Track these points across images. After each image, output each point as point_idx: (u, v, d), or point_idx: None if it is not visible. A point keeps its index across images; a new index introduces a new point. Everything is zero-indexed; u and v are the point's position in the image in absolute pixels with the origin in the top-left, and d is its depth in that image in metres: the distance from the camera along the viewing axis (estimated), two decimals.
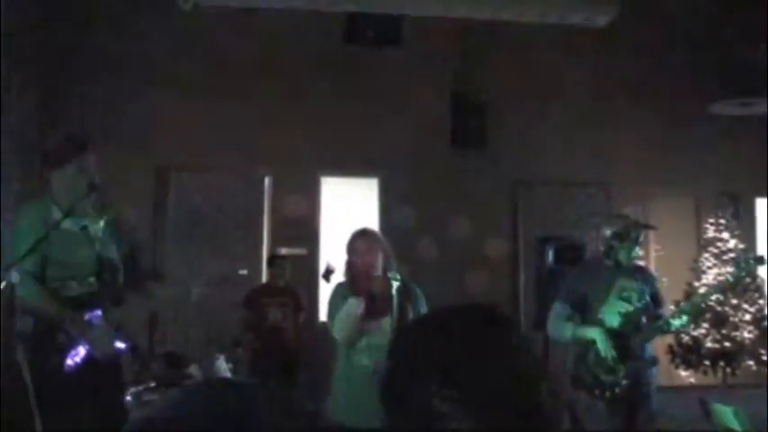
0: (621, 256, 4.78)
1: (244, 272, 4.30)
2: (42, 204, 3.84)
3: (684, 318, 4.71)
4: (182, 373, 6.85)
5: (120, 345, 3.80)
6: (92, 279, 3.79)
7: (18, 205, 4.09)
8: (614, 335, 4.64)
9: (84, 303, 3.75)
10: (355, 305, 4.12)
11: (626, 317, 4.70)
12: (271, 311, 7.86)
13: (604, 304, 4.73)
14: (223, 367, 7.24)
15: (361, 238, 4.29)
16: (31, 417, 3.41)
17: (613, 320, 4.71)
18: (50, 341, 3.60)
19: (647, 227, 5.54)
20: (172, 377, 6.66)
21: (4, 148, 7.11)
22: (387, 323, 4.12)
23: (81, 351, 3.63)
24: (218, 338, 8.81)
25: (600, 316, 4.73)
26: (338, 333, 4.18)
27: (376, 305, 4.15)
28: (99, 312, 3.75)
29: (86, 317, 3.71)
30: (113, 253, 3.94)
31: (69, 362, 3.60)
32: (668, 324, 4.69)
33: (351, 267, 4.25)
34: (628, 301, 4.73)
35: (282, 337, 7.82)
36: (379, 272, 4.20)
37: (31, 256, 3.53)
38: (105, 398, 3.73)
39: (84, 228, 3.83)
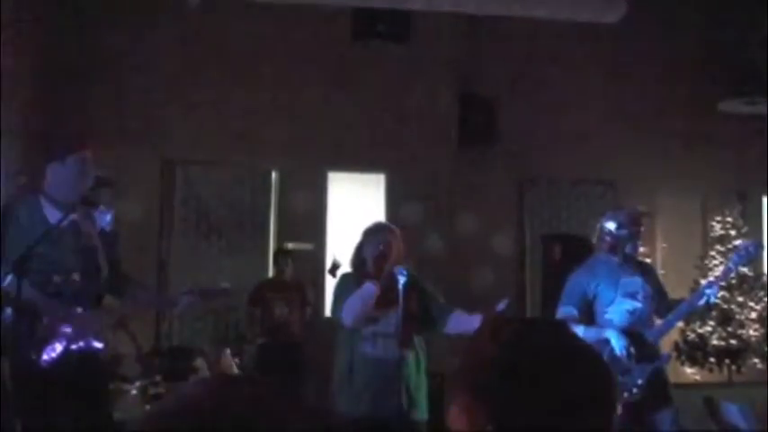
0: (629, 249, 4.72)
1: (226, 285, 4.27)
2: (34, 201, 3.76)
3: (715, 287, 4.67)
4: (188, 366, 6.88)
5: (97, 344, 3.72)
6: (75, 275, 3.70)
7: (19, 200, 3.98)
8: (626, 334, 4.56)
9: (65, 299, 3.66)
10: (370, 289, 4.26)
11: (634, 314, 4.64)
12: (277, 306, 7.87)
13: (611, 304, 4.64)
14: (229, 361, 7.27)
15: (381, 231, 4.51)
16: (9, 412, 3.39)
17: (622, 319, 4.62)
18: (28, 335, 3.51)
19: (646, 214, 5.47)
20: (178, 371, 6.69)
21: (7, 144, 7.11)
22: (393, 314, 4.21)
23: (57, 347, 3.55)
24: (224, 332, 8.85)
25: (608, 316, 4.64)
26: (347, 315, 4.27)
27: (386, 295, 4.24)
28: (80, 310, 3.67)
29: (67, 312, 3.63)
30: (101, 250, 3.84)
31: (45, 356, 3.52)
32: (704, 295, 4.60)
33: (367, 255, 4.40)
34: (634, 298, 4.67)
35: (288, 331, 7.84)
36: (391, 264, 4.34)
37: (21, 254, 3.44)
38: (83, 394, 3.64)
39: (74, 223, 3.74)
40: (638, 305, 4.64)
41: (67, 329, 3.59)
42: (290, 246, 8.63)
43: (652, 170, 9.87)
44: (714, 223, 10.04)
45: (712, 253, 9.87)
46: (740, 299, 9.54)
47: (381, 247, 4.36)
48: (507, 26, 9.04)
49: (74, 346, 3.60)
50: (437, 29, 9.14)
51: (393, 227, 4.67)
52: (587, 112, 9.86)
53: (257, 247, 9.16)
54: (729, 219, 9.98)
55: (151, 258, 8.58)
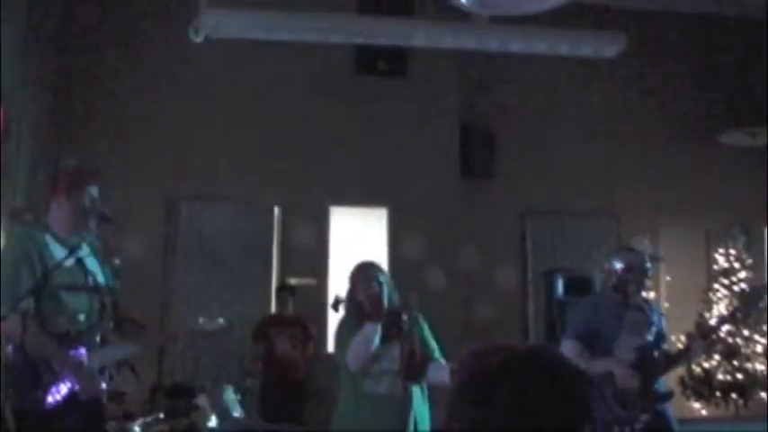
0: (631, 291, 4.72)
1: (221, 321, 4.24)
2: (37, 237, 3.67)
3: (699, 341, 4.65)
4: (190, 403, 6.83)
5: (102, 386, 3.66)
6: (81, 316, 3.63)
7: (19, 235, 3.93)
8: (631, 368, 4.53)
9: (71, 341, 3.59)
10: (372, 330, 4.23)
11: (640, 350, 4.62)
12: (279, 342, 7.84)
13: (616, 340, 4.63)
14: (231, 398, 7.21)
15: (368, 270, 4.48)
16: None
17: (628, 355, 4.61)
18: (33, 376, 3.45)
19: (657, 259, 5.48)
20: (180, 408, 6.64)
21: (11, 179, 7.12)
22: (395, 350, 4.18)
23: (63, 389, 3.49)
24: (227, 369, 8.80)
25: (614, 352, 4.63)
26: (353, 359, 4.23)
27: (387, 332, 4.22)
28: (83, 351, 3.60)
29: (72, 354, 3.57)
30: (107, 289, 3.79)
31: (50, 399, 3.45)
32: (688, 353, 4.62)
33: (362, 297, 4.33)
34: (639, 334, 4.65)
35: (291, 367, 7.79)
36: (386, 301, 4.34)
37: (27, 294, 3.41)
38: None
39: (80, 261, 3.69)
40: (644, 341, 4.62)
41: (72, 371, 3.53)
42: (293, 281, 8.61)
43: (654, 202, 9.87)
44: (718, 256, 10.01)
45: (716, 286, 9.84)
46: (746, 332, 9.49)
47: (374, 286, 4.35)
48: (507, 60, 9.09)
49: (78, 388, 3.53)
50: (438, 64, 9.20)
51: (377, 263, 4.69)
52: (588, 144, 9.89)
53: (260, 282, 9.15)
54: (733, 251, 9.95)
55: (155, 294, 8.55)
